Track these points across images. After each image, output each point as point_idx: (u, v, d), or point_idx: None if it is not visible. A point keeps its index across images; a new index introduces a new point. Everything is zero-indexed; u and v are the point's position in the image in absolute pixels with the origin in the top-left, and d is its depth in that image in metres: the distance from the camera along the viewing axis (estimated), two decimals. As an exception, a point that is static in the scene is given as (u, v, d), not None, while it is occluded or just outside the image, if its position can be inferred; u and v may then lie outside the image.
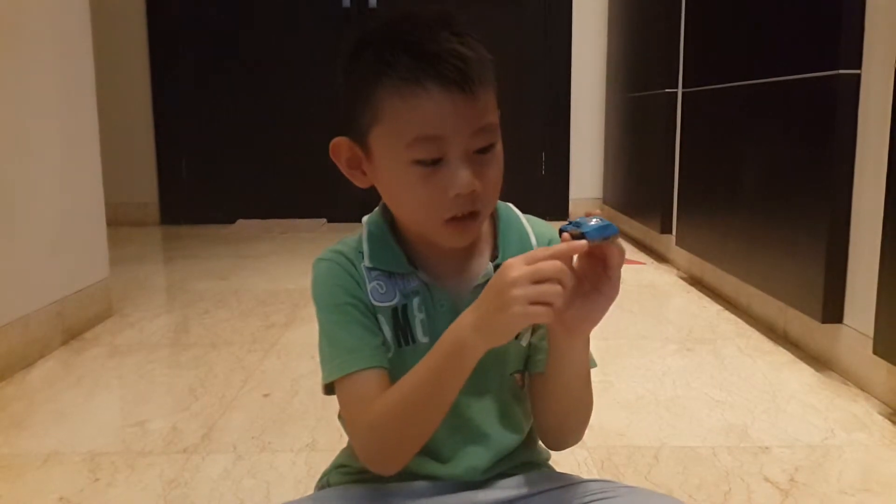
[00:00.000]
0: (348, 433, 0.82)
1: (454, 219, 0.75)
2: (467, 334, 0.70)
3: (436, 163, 0.73)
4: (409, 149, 0.73)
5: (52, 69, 2.08)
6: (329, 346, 0.80)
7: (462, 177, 0.73)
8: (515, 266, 0.67)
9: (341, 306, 0.80)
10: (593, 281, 0.72)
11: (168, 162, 4.34)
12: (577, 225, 0.69)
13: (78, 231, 2.21)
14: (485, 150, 0.75)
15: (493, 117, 0.75)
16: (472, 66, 0.72)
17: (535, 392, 0.84)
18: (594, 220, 0.69)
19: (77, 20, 2.22)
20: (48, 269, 2.02)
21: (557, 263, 0.66)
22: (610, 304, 0.72)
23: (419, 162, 0.73)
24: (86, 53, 2.26)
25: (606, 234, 0.69)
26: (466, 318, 0.71)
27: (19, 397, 1.69)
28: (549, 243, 0.84)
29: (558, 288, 0.66)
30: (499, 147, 0.76)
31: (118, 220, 3.90)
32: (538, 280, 0.66)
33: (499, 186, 0.78)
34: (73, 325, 2.11)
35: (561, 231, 0.70)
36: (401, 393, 0.75)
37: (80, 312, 2.15)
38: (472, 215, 0.75)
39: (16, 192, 1.89)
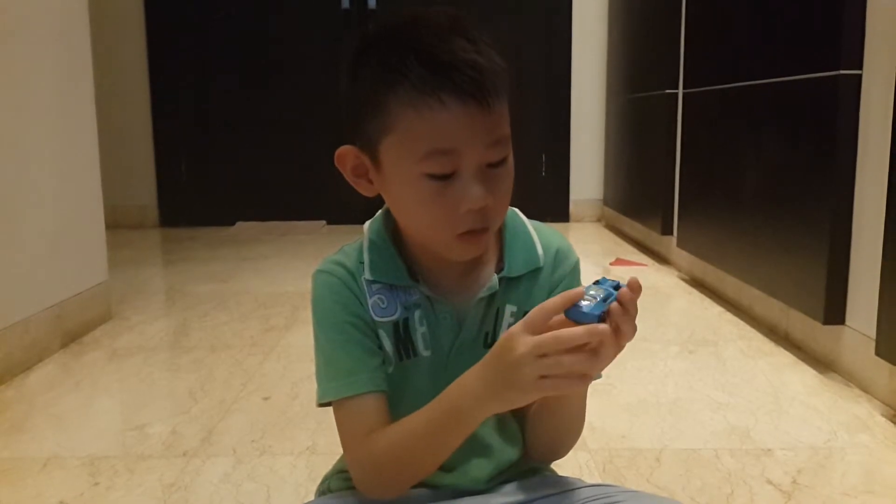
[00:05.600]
0: (346, 457, 0.81)
1: (465, 233, 0.73)
2: (472, 403, 0.69)
3: (448, 177, 0.71)
4: (422, 162, 0.70)
5: (51, 71, 2.07)
6: (326, 365, 0.79)
7: (474, 192, 0.71)
8: (519, 338, 0.64)
9: (340, 325, 0.78)
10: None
11: (167, 164, 4.34)
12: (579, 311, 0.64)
13: (77, 234, 2.20)
14: (497, 164, 0.73)
15: (507, 129, 0.73)
16: (488, 78, 0.69)
17: (530, 413, 0.83)
18: (586, 300, 0.64)
19: (76, 22, 2.22)
20: (47, 272, 2.01)
21: (562, 334, 0.63)
22: (617, 352, 0.66)
23: (431, 176, 0.71)
24: (84, 55, 2.26)
25: (602, 309, 0.64)
26: (471, 384, 0.69)
27: (18, 401, 1.69)
28: (556, 254, 0.83)
29: (567, 358, 0.63)
30: (510, 160, 0.74)
31: (117, 223, 3.90)
32: (544, 354, 0.63)
33: (509, 200, 0.77)
34: (72, 329, 2.10)
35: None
36: (402, 435, 0.74)
37: (79, 315, 2.15)
38: (483, 229, 0.74)
39: (14, 195, 1.88)
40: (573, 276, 0.84)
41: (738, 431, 1.47)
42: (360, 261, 0.80)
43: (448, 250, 0.76)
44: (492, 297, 0.80)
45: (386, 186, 0.76)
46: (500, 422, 0.82)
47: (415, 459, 0.75)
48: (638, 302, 0.66)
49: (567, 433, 0.84)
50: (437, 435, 0.73)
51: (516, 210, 0.84)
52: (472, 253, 0.76)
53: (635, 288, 0.65)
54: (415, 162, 0.71)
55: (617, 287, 0.65)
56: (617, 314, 0.64)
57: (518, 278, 0.81)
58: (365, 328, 0.79)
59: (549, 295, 0.82)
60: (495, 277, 0.79)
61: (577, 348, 0.63)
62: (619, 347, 0.65)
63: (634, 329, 0.65)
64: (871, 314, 1.57)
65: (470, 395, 0.69)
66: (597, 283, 0.66)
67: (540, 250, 0.82)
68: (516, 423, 0.84)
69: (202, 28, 4.25)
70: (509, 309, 0.81)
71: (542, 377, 0.64)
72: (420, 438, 0.74)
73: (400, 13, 0.74)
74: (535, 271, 0.82)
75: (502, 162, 0.73)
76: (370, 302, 0.79)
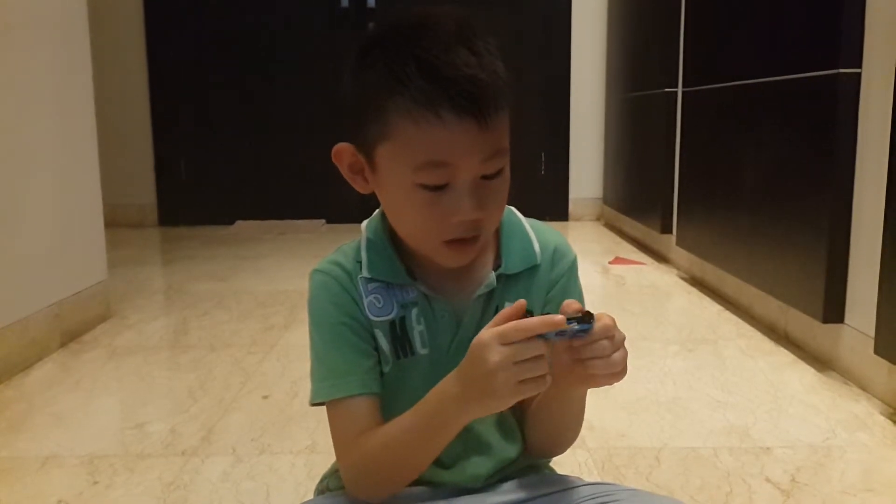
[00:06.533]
0: (337, 459, 0.82)
1: (454, 240, 0.74)
2: (452, 406, 0.70)
3: (442, 187, 0.71)
4: (416, 172, 0.71)
5: (50, 70, 2.07)
6: (320, 365, 0.80)
7: (466, 205, 0.71)
8: (492, 348, 0.65)
9: (335, 326, 0.79)
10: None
11: (166, 163, 4.34)
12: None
13: (76, 233, 2.20)
14: (493, 176, 0.73)
15: (505, 141, 0.73)
16: (488, 94, 0.69)
17: (529, 413, 0.83)
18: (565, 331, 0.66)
19: (75, 21, 2.21)
20: (46, 271, 2.01)
21: (537, 343, 0.65)
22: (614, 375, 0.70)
23: (425, 186, 0.71)
24: (83, 54, 2.26)
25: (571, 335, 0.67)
26: (450, 389, 0.70)
27: (18, 400, 1.69)
28: (554, 252, 0.83)
29: (543, 362, 0.65)
30: (506, 170, 0.75)
31: (116, 222, 3.90)
32: (519, 360, 0.65)
33: (503, 209, 0.77)
34: (71, 328, 2.10)
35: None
36: (387, 439, 0.75)
37: (78, 314, 2.15)
38: (473, 238, 0.74)
39: (14, 194, 1.88)
40: (571, 273, 0.84)
41: (738, 430, 1.47)
42: (357, 260, 0.81)
43: (436, 255, 0.76)
44: (490, 294, 0.80)
45: (380, 188, 0.77)
46: (500, 419, 0.83)
47: (401, 462, 0.76)
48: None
49: (567, 430, 0.84)
50: (420, 439, 0.73)
51: (512, 208, 0.84)
52: (460, 261, 0.76)
53: (599, 333, 0.67)
54: (409, 171, 0.71)
55: (585, 330, 0.67)
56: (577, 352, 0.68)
57: (516, 276, 0.81)
58: (359, 329, 0.79)
59: (547, 293, 0.82)
60: (493, 275, 0.79)
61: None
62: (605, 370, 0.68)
63: (608, 366, 0.68)
64: (870, 313, 1.57)
65: (449, 402, 0.70)
66: (577, 319, 0.67)
67: (537, 248, 0.83)
68: (515, 420, 0.85)
69: (201, 28, 4.25)
70: (508, 306, 0.81)
71: (521, 382, 0.65)
72: (405, 442, 0.74)
73: (408, 13, 0.73)
74: (533, 269, 0.82)
75: (498, 173, 0.73)
76: (366, 301, 0.79)
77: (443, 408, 0.70)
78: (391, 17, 0.74)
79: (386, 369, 0.80)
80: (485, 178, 0.72)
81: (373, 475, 0.77)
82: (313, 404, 0.80)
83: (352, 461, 0.78)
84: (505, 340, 0.65)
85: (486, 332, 0.66)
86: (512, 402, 0.67)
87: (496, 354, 0.65)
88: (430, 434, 0.73)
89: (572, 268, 0.84)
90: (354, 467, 0.78)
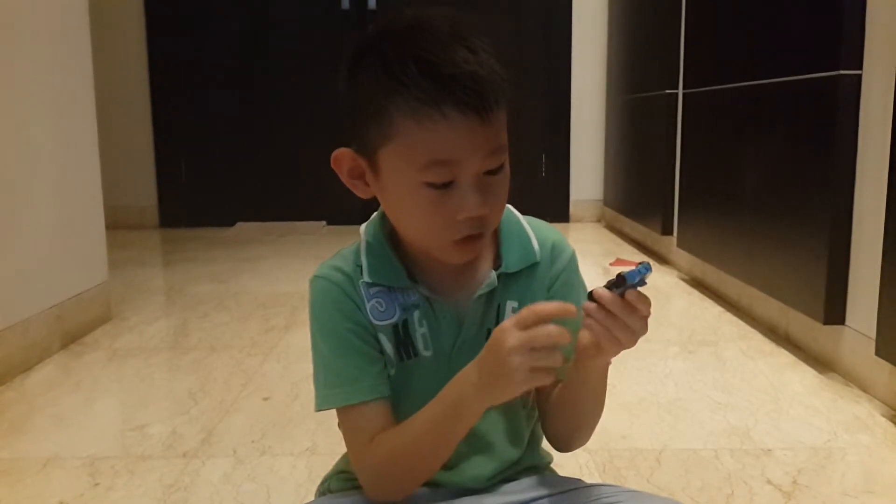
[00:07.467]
0: (353, 464, 0.82)
1: (461, 239, 0.74)
2: (470, 392, 0.71)
3: (446, 185, 0.72)
4: (421, 171, 0.71)
5: (51, 71, 2.07)
6: (326, 372, 0.80)
7: (472, 201, 0.72)
8: (510, 332, 0.67)
9: (340, 332, 0.79)
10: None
11: (167, 165, 4.34)
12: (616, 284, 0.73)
13: (77, 234, 2.20)
14: (495, 172, 0.73)
15: (504, 137, 0.74)
16: (488, 90, 0.70)
17: (551, 400, 0.83)
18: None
19: (76, 22, 2.22)
20: (47, 272, 2.01)
21: (552, 329, 0.66)
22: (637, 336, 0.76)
23: (430, 184, 0.72)
24: (85, 55, 2.26)
25: (634, 281, 0.73)
26: (469, 376, 0.71)
27: (18, 401, 1.69)
28: (552, 249, 0.83)
29: (557, 353, 0.67)
30: (507, 166, 0.75)
31: (117, 224, 3.90)
32: (535, 347, 0.66)
33: (505, 204, 0.78)
34: (72, 329, 2.10)
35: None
36: (404, 438, 0.75)
37: (79, 316, 2.15)
38: (478, 235, 0.75)
39: (14, 196, 1.88)
40: (570, 268, 0.84)
41: (738, 431, 1.47)
42: (357, 264, 0.81)
43: (444, 254, 0.76)
44: (491, 293, 0.80)
45: (383, 191, 0.76)
46: (504, 420, 0.82)
47: (418, 459, 0.76)
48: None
49: (590, 419, 0.85)
50: (438, 431, 0.74)
51: (510, 207, 0.84)
52: (467, 257, 0.77)
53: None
54: (414, 171, 0.71)
55: (638, 279, 0.73)
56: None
57: (516, 274, 0.81)
58: (364, 334, 0.79)
59: (548, 290, 0.82)
60: (493, 274, 0.79)
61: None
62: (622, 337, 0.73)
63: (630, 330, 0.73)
64: (871, 314, 1.57)
65: (468, 388, 0.71)
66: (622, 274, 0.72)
67: (536, 245, 0.83)
68: (524, 420, 0.84)
69: (202, 28, 4.25)
70: (510, 305, 0.81)
71: (534, 369, 0.66)
72: (421, 438, 0.74)
73: (400, 16, 0.73)
74: (533, 266, 0.82)
75: (499, 169, 0.74)
76: (368, 306, 0.79)
77: (461, 395, 0.71)
78: (384, 21, 0.74)
79: (392, 372, 0.80)
80: (487, 174, 0.73)
81: (395, 474, 0.77)
82: (320, 410, 0.80)
83: (371, 464, 0.78)
84: (522, 325, 0.66)
85: (509, 319, 0.68)
86: (524, 388, 0.68)
87: (513, 339, 0.66)
88: (446, 425, 0.73)
89: (571, 262, 0.85)
90: (374, 470, 0.78)
